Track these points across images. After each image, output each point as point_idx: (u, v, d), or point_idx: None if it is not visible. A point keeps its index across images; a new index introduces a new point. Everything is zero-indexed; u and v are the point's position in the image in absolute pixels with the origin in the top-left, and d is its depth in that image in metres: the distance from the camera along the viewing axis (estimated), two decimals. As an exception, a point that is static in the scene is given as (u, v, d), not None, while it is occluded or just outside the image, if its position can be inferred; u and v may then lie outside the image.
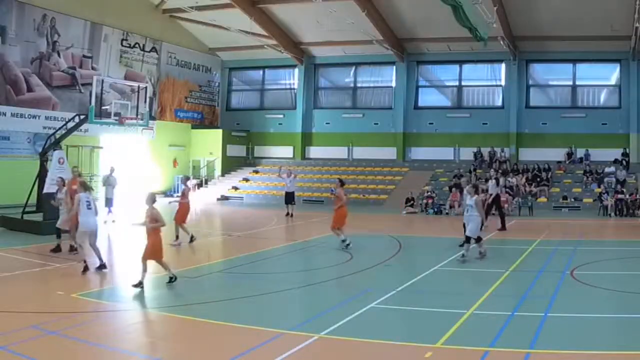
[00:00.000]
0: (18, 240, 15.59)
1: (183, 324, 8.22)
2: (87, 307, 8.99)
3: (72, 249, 13.25)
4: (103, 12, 27.89)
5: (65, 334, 7.55)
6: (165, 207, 16.47)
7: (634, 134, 28.60)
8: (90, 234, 11.54)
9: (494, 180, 19.90)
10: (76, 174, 15.98)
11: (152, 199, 10.59)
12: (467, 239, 13.23)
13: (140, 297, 9.77)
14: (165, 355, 7.06)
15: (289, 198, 23.37)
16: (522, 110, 30.74)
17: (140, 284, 9.97)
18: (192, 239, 15.41)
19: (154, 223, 10.19)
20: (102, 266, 11.54)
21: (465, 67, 32.25)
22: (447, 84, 33.30)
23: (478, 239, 13.21)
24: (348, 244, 14.61)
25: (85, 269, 11.30)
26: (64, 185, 13.91)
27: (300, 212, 23.49)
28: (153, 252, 10.21)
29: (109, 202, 20.32)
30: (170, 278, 10.37)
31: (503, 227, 18.84)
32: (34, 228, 16.68)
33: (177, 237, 15.14)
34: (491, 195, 19.36)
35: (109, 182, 20.68)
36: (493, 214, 19.77)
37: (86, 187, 12.02)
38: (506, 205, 24.44)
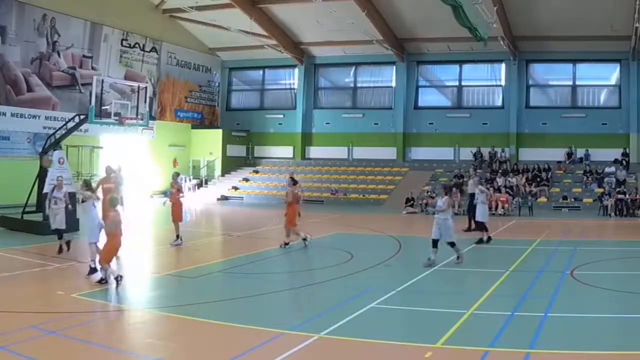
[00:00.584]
0: (18, 240, 15.58)
1: (183, 324, 8.22)
2: (87, 307, 8.98)
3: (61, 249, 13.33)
4: (103, 12, 27.88)
5: (65, 334, 7.55)
6: (162, 208, 16.41)
7: (634, 134, 28.61)
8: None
9: (474, 179, 18.86)
10: (110, 172, 15.75)
11: (113, 202, 10.55)
12: (451, 244, 12.40)
13: (140, 297, 9.78)
14: (165, 355, 7.05)
15: None
16: (522, 110, 30.74)
17: (111, 280, 9.97)
18: (179, 238, 15.23)
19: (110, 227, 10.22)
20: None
21: (465, 67, 32.25)
22: (447, 84, 33.29)
23: (452, 244, 12.44)
24: (287, 244, 14.86)
25: (92, 271, 11.20)
26: (62, 185, 13.95)
27: (301, 212, 23.47)
28: (104, 254, 10.24)
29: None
30: (102, 280, 10.24)
31: (469, 229, 18.21)
32: (34, 228, 16.68)
33: (177, 236, 15.12)
34: (472, 194, 18.45)
35: (117, 182, 20.65)
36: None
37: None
38: (506, 205, 24.52)
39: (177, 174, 16.83)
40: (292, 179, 15.79)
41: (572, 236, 18.32)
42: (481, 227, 15.77)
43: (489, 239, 15.71)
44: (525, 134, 30.55)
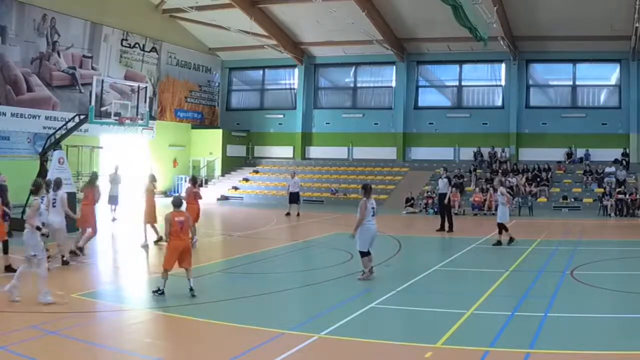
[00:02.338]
0: (18, 240, 15.52)
1: (183, 324, 8.22)
2: (87, 307, 8.99)
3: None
4: (103, 12, 27.85)
5: (65, 334, 7.55)
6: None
7: (634, 134, 28.59)
8: (56, 230, 11.89)
9: (445, 179, 18.84)
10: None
11: (176, 202, 10.07)
12: (361, 254, 10.98)
13: (140, 297, 9.77)
14: (165, 355, 7.06)
15: (293, 198, 23.41)
16: (522, 110, 30.72)
17: (158, 291, 9.55)
18: (157, 241, 14.92)
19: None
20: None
21: (465, 67, 32.23)
22: (447, 84, 33.27)
23: (363, 254, 10.95)
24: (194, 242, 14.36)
25: (64, 262, 11.87)
26: None
27: (300, 212, 23.50)
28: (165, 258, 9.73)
29: (113, 200, 20.34)
30: (157, 289, 9.60)
31: (450, 229, 18.20)
32: (33, 228, 16.63)
33: (161, 238, 14.60)
34: (442, 194, 18.66)
35: (114, 181, 20.76)
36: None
37: (50, 186, 12.23)
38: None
39: (153, 177, 16.11)
40: (193, 177, 16.08)
41: (572, 236, 18.32)
42: (502, 228, 15.67)
43: (511, 239, 15.43)
44: (525, 134, 30.53)
